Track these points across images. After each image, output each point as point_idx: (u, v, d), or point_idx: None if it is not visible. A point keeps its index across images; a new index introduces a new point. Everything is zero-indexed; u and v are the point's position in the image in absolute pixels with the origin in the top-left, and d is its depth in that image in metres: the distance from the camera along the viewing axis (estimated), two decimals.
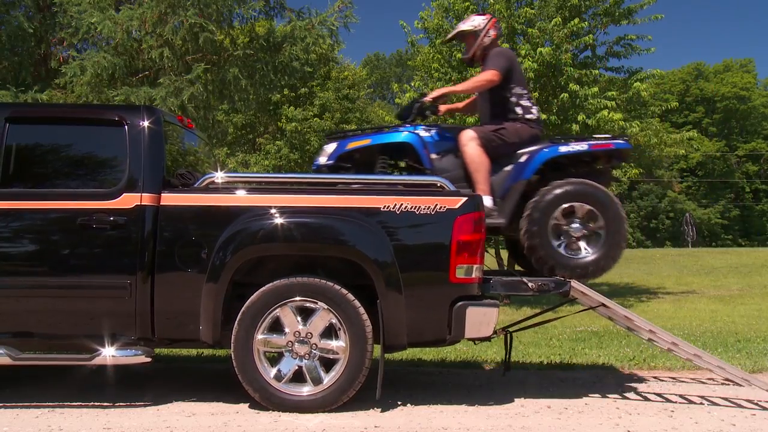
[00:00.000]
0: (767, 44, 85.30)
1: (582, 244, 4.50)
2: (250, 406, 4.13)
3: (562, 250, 4.46)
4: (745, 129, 55.62)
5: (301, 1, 41.49)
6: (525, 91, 4.83)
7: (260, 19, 10.77)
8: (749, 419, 4.05)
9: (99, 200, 4.12)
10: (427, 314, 4.08)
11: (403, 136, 4.69)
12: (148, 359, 4.06)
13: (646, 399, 4.54)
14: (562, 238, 4.48)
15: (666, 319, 9.64)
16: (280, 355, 4.08)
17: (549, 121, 12.58)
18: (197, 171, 4.84)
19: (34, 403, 4.19)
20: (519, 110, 4.76)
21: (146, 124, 4.24)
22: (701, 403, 4.42)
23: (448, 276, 4.03)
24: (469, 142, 4.59)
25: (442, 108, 4.98)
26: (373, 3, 75.62)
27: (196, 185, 4.29)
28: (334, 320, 4.03)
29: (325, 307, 4.02)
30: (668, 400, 4.50)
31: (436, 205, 4.08)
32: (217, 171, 4.56)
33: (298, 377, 4.05)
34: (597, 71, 13.39)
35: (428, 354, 6.02)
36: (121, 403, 4.23)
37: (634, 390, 4.81)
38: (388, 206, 4.08)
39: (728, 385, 4.93)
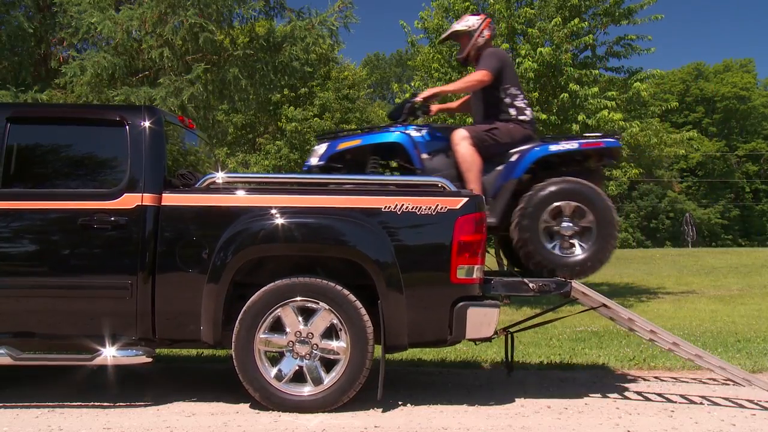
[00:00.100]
0: (767, 44, 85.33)
1: (572, 242, 4.51)
2: (250, 406, 4.13)
3: (552, 247, 4.47)
4: (745, 129, 55.62)
5: (301, 1, 41.53)
6: (519, 92, 4.83)
7: (260, 19, 10.77)
8: (749, 419, 4.05)
9: (100, 200, 4.13)
10: (428, 315, 4.08)
11: (393, 136, 4.69)
12: (149, 359, 4.07)
13: (646, 399, 4.54)
14: (552, 235, 4.49)
15: (666, 319, 9.63)
16: (281, 354, 4.09)
17: (549, 121, 12.59)
18: (198, 171, 4.84)
19: (34, 403, 4.19)
20: (512, 111, 4.76)
21: (147, 124, 4.25)
22: (701, 403, 4.42)
23: (449, 276, 4.03)
24: (462, 141, 4.59)
25: (434, 108, 4.98)
26: (373, 3, 75.65)
27: (197, 185, 4.29)
28: (335, 320, 4.03)
29: (327, 307, 4.02)
30: (668, 400, 4.50)
31: (437, 205, 4.08)
32: (218, 171, 4.56)
33: (298, 377, 4.05)
34: (597, 71, 13.39)
35: (428, 354, 6.02)
36: (121, 403, 4.24)
37: (634, 390, 4.81)
38: (389, 206, 4.08)
39: (728, 385, 4.93)
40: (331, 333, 4.07)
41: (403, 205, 4.08)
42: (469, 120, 10.30)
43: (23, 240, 4.21)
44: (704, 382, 5.09)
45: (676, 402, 4.46)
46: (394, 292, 4.01)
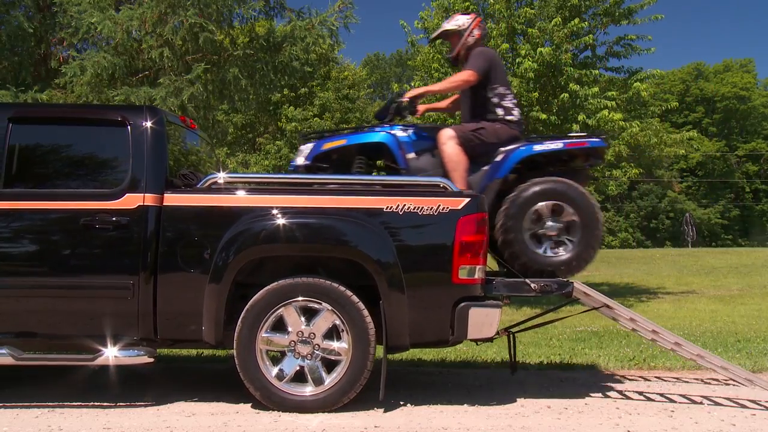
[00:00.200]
0: (767, 44, 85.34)
1: (556, 242, 4.51)
2: (251, 406, 4.13)
3: (536, 248, 4.47)
4: (745, 129, 55.64)
5: (301, 1, 41.53)
6: (508, 92, 4.82)
7: (260, 19, 10.76)
8: (749, 419, 4.05)
9: (102, 200, 4.13)
10: (429, 315, 4.08)
11: (377, 136, 4.69)
12: (151, 360, 4.07)
13: (646, 399, 4.54)
14: (536, 236, 4.50)
15: (666, 319, 9.64)
16: (283, 354, 4.09)
17: (549, 121, 12.60)
18: (200, 171, 4.85)
19: (34, 403, 4.19)
20: (500, 111, 4.75)
21: (149, 124, 4.25)
22: (702, 403, 4.42)
23: (450, 277, 4.03)
24: (448, 141, 4.59)
25: (421, 108, 4.98)
26: (373, 3, 75.65)
27: (198, 186, 4.29)
28: (337, 321, 4.03)
29: (329, 308, 4.02)
30: (668, 400, 4.50)
31: (439, 205, 4.08)
32: (219, 171, 4.55)
33: (299, 377, 4.05)
34: (597, 71, 13.40)
35: (428, 354, 6.03)
36: (121, 403, 4.24)
37: (634, 390, 4.81)
38: (391, 207, 4.08)
39: (729, 385, 4.93)
40: (332, 333, 4.07)
41: (404, 205, 4.08)
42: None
43: (25, 240, 4.21)
44: (705, 382, 5.09)
45: (676, 402, 4.46)
46: (395, 292, 4.01)
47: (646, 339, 4.79)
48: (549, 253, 4.49)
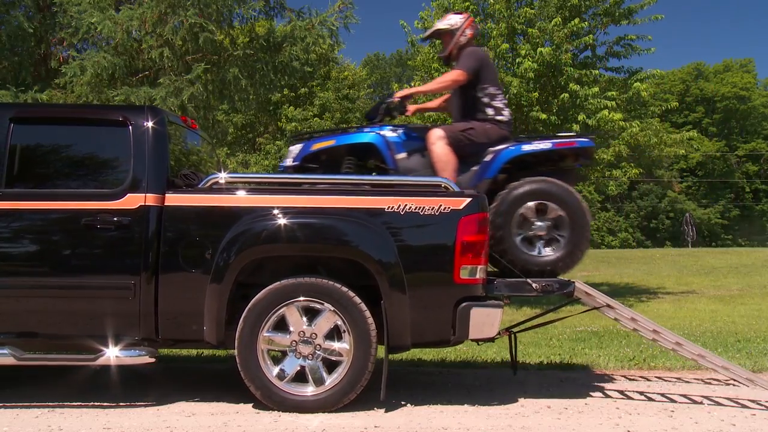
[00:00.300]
0: (767, 44, 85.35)
1: (545, 241, 4.51)
2: (251, 406, 4.13)
3: (524, 247, 4.47)
4: (745, 129, 55.64)
5: (301, 1, 41.50)
6: (499, 92, 4.83)
7: (260, 19, 10.76)
8: (749, 419, 4.05)
9: (103, 200, 4.13)
10: (431, 315, 4.08)
11: (366, 136, 4.70)
12: (152, 360, 4.07)
13: (646, 399, 4.54)
14: (524, 235, 4.50)
15: (666, 319, 9.64)
16: (284, 354, 4.09)
17: (549, 121, 12.60)
18: (201, 171, 4.85)
19: (34, 403, 4.19)
20: (490, 111, 4.75)
21: (150, 124, 4.25)
22: (702, 403, 4.42)
23: (452, 277, 4.03)
24: (437, 141, 4.59)
25: (411, 108, 4.99)
26: (373, 3, 75.65)
27: (200, 186, 4.29)
28: (339, 322, 4.03)
29: (331, 308, 4.02)
30: (668, 400, 4.50)
31: (440, 205, 4.08)
32: (220, 171, 4.55)
33: (300, 377, 4.06)
34: (597, 71, 13.40)
35: (428, 354, 6.03)
36: (121, 403, 4.24)
37: (634, 390, 4.81)
38: (392, 207, 4.08)
39: (729, 385, 4.93)
40: (334, 334, 4.07)
41: (406, 205, 4.08)
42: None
43: (27, 240, 4.22)
44: (705, 382, 5.09)
45: (676, 402, 4.46)
46: (397, 292, 4.01)
47: (647, 339, 4.79)
48: (538, 252, 4.49)
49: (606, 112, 12.45)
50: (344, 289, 4.02)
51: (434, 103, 5.52)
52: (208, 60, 9.59)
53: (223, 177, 4.30)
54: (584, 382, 5.11)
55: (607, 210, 51.53)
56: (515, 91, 12.43)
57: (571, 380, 5.16)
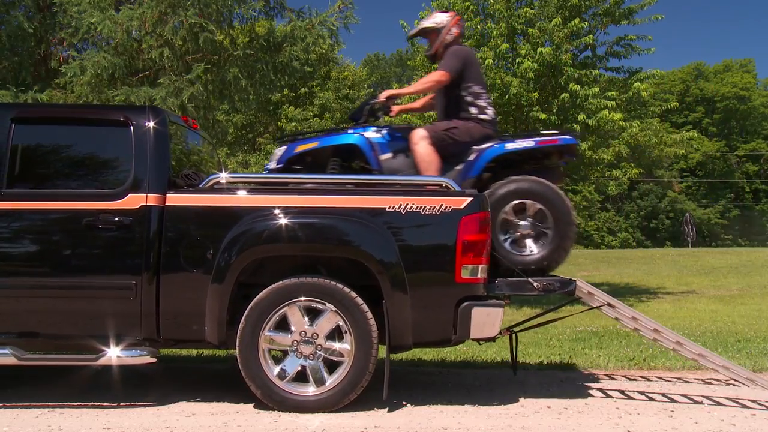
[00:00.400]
0: (767, 44, 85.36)
1: (528, 240, 4.51)
2: (251, 406, 4.13)
3: (509, 246, 4.48)
4: (745, 129, 55.67)
5: (301, 1, 41.47)
6: (483, 91, 4.82)
7: (260, 19, 10.76)
8: (749, 419, 4.05)
9: (104, 201, 4.13)
10: (432, 315, 4.08)
11: (349, 138, 4.70)
12: (153, 360, 4.08)
13: (646, 399, 4.54)
14: (509, 233, 4.51)
15: (666, 319, 9.64)
16: (285, 354, 4.10)
17: (549, 121, 12.60)
18: (202, 171, 4.85)
19: (34, 403, 4.19)
20: (473, 110, 4.75)
21: (152, 124, 4.25)
22: (702, 403, 4.42)
23: (453, 276, 4.03)
24: (420, 141, 4.58)
25: (395, 108, 4.99)
26: (373, 3, 75.68)
27: (201, 186, 4.30)
28: (340, 322, 4.03)
29: (333, 308, 4.02)
30: (669, 400, 4.50)
31: (441, 205, 4.07)
32: (221, 171, 4.55)
33: (300, 377, 4.06)
34: (597, 71, 13.40)
35: (428, 354, 6.03)
36: (121, 403, 4.24)
37: (634, 390, 4.81)
38: (393, 206, 4.08)
39: (729, 385, 4.93)
40: (335, 334, 4.07)
41: (407, 204, 4.08)
42: None
43: (28, 240, 4.22)
44: (705, 382, 5.10)
45: (676, 402, 4.46)
46: (398, 292, 4.01)
47: (648, 338, 4.79)
48: (522, 251, 4.49)
49: (606, 112, 12.45)
50: (346, 289, 4.02)
51: (418, 103, 5.51)
52: (208, 60, 9.58)
53: (224, 177, 4.31)
54: (584, 382, 5.11)
55: (607, 210, 51.56)
56: (515, 91, 12.43)
57: (571, 380, 5.16)
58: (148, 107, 4.52)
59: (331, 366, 4.06)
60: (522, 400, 4.45)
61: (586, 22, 13.14)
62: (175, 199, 4.14)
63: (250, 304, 4.04)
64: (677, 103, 26.10)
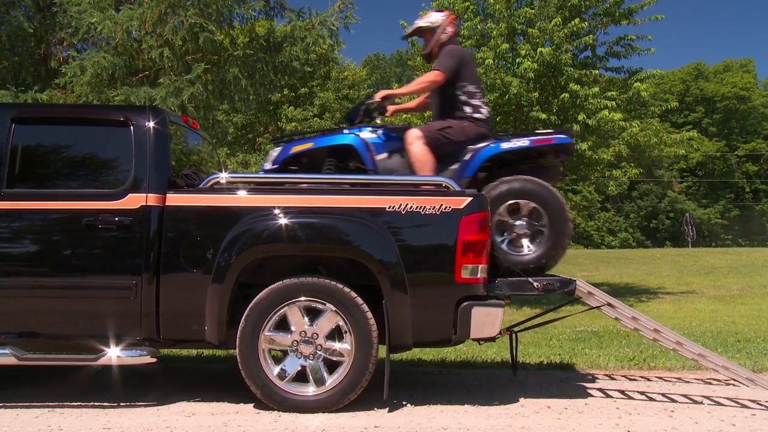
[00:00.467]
0: (767, 44, 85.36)
1: (523, 240, 4.51)
2: (251, 406, 4.13)
3: (504, 245, 4.48)
4: (745, 129, 55.68)
5: (301, 1, 41.49)
6: (477, 90, 4.82)
7: (260, 19, 10.76)
8: (749, 419, 4.05)
9: (104, 200, 4.13)
10: (432, 314, 4.08)
11: (344, 138, 4.70)
12: (153, 360, 4.08)
13: (646, 399, 4.54)
14: (504, 233, 4.51)
15: (666, 319, 9.64)
16: (285, 354, 4.10)
17: (549, 121, 12.60)
18: (202, 171, 4.85)
19: (34, 403, 4.19)
20: (468, 109, 4.74)
21: (151, 124, 4.25)
22: (702, 403, 4.42)
23: (453, 276, 4.03)
24: (415, 141, 4.58)
25: (390, 108, 4.99)
26: (373, 3, 75.67)
27: (201, 186, 4.30)
28: (340, 322, 4.03)
29: (333, 308, 4.02)
30: (669, 400, 4.50)
31: (441, 205, 4.07)
32: (221, 171, 4.55)
33: (300, 377, 4.06)
34: (597, 71, 13.39)
35: (428, 354, 6.03)
36: (121, 403, 4.24)
37: (634, 390, 4.81)
38: (393, 206, 4.08)
39: (729, 385, 4.93)
40: (335, 334, 4.07)
41: (407, 204, 4.08)
42: None
43: (28, 240, 4.22)
44: (705, 382, 5.10)
45: (676, 402, 4.46)
46: (398, 292, 4.01)
47: (648, 338, 4.79)
48: (517, 251, 4.49)
49: (606, 112, 12.44)
50: (346, 289, 4.02)
51: (413, 103, 5.51)
52: (208, 60, 9.59)
53: (224, 177, 4.31)
54: (584, 382, 5.11)
55: (607, 210, 51.58)
56: (515, 91, 12.43)
57: (571, 380, 5.16)
58: (148, 107, 4.52)
59: (331, 366, 4.06)
60: (522, 400, 4.45)
61: (586, 22, 13.14)
62: (175, 199, 4.14)
63: (250, 304, 4.04)
64: (677, 103, 26.09)
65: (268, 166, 4.78)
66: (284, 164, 4.70)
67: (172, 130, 4.46)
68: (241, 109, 19.76)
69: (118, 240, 4.09)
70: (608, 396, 4.62)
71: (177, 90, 8.91)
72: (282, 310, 4.04)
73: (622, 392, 4.74)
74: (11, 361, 4.00)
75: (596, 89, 12.63)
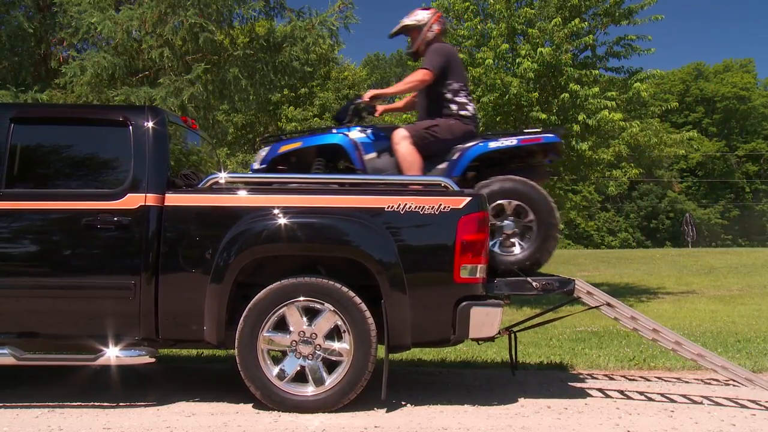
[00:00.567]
0: (767, 44, 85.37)
1: (512, 240, 4.51)
2: (251, 406, 4.13)
3: (492, 246, 4.46)
4: (745, 129, 55.68)
5: (301, 1, 41.50)
6: (463, 87, 4.81)
7: (260, 19, 10.77)
8: (749, 419, 4.05)
9: (103, 200, 4.13)
10: (431, 314, 4.08)
11: (332, 138, 4.70)
12: (152, 359, 4.07)
13: (646, 399, 4.54)
14: (493, 233, 4.49)
15: (666, 319, 9.64)
16: (284, 354, 4.09)
17: (549, 121, 12.60)
18: (201, 171, 4.85)
19: (34, 403, 4.19)
20: (454, 106, 4.74)
21: (151, 124, 4.25)
22: (702, 403, 4.42)
23: (452, 276, 4.03)
24: (402, 141, 4.58)
25: (380, 108, 4.99)
26: (373, 3, 75.67)
27: (200, 186, 4.30)
28: (339, 322, 4.03)
29: (332, 308, 4.02)
30: (669, 400, 4.50)
31: (440, 205, 4.07)
32: (220, 171, 4.55)
33: (300, 377, 4.06)
34: (597, 71, 13.39)
35: (428, 354, 6.03)
36: (121, 403, 4.24)
37: (634, 390, 4.81)
38: (392, 206, 4.08)
39: (729, 385, 4.93)
40: (334, 334, 4.07)
41: (406, 204, 4.08)
42: None
43: (27, 240, 4.22)
44: (705, 382, 5.09)
45: (676, 402, 4.46)
46: (397, 292, 4.01)
47: (647, 338, 4.79)
48: (505, 251, 4.49)
49: (606, 112, 12.44)
50: (344, 289, 4.02)
51: (400, 103, 5.51)
52: (208, 60, 9.59)
53: (223, 177, 4.30)
54: (584, 382, 5.11)
55: (607, 210, 51.57)
56: (515, 91, 12.43)
57: (571, 380, 5.16)
58: (147, 107, 4.52)
59: (330, 366, 4.06)
60: (522, 400, 4.45)
61: (586, 22, 13.14)
62: (173, 199, 4.14)
63: (249, 305, 4.04)
64: (677, 103, 26.10)
65: (256, 165, 4.78)
66: (272, 164, 4.70)
67: (171, 130, 4.46)
68: (241, 109, 19.75)
69: (117, 240, 4.09)
70: (608, 396, 4.62)
71: (177, 90, 8.91)
72: (281, 311, 4.04)
73: (621, 392, 4.74)
74: (10, 361, 4.00)
75: (596, 89, 12.63)
